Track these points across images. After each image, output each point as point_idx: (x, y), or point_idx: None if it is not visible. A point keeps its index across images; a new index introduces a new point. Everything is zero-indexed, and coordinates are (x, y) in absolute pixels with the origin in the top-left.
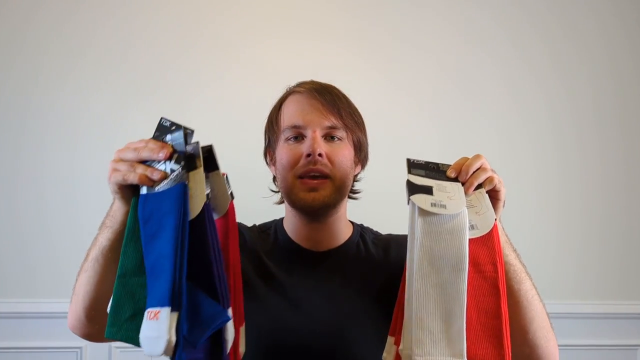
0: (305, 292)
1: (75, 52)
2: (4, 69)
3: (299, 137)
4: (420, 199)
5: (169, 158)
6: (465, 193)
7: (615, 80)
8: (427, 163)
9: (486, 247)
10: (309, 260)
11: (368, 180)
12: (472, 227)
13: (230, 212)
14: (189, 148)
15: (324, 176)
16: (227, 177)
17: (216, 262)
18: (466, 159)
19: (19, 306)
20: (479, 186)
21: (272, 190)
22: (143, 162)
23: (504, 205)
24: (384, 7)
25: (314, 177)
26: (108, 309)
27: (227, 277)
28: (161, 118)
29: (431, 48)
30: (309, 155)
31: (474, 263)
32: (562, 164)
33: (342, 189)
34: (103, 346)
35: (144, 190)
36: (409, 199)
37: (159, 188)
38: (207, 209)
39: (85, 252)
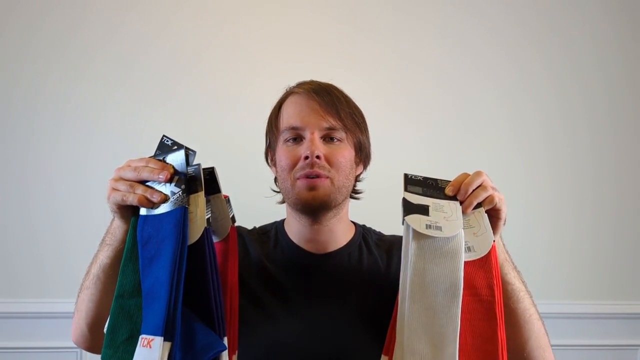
0: (305, 295)
1: (88, 52)
2: (16, 68)
3: (297, 138)
4: (414, 220)
5: (169, 180)
6: (464, 212)
7: (606, 82)
8: (426, 179)
9: (483, 270)
10: (310, 263)
11: (368, 181)
12: (468, 249)
13: (231, 236)
14: (190, 170)
15: (324, 176)
16: (228, 199)
17: (214, 290)
18: (466, 175)
19: (19, 306)
20: (479, 204)
21: (274, 190)
22: (143, 181)
23: (504, 224)
24: (376, 18)
25: (313, 177)
26: (105, 330)
27: (224, 303)
28: (163, 136)
29: (423, 56)
30: (306, 157)
31: (469, 286)
32: (555, 165)
33: (342, 190)
34: None
35: (143, 211)
36: (403, 219)
37: (159, 210)
38: (207, 233)
39: (92, 254)
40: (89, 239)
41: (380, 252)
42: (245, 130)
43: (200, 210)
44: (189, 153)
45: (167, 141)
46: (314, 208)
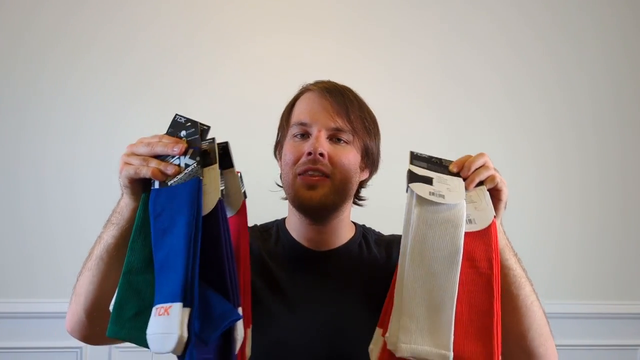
0: (306, 291)
1: (77, 47)
2: (5, 64)
3: (305, 134)
4: (419, 187)
5: (184, 153)
6: (466, 189)
7: (613, 79)
8: (430, 157)
9: (483, 242)
10: (310, 260)
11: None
12: (469, 220)
13: (242, 211)
14: (204, 144)
15: (324, 175)
16: (241, 175)
17: (228, 260)
18: (469, 156)
19: (18, 306)
20: (480, 183)
21: (278, 185)
22: (156, 156)
23: (505, 207)
24: (383, 6)
25: (313, 175)
26: (111, 307)
27: (238, 276)
28: (175, 114)
29: (431, 46)
30: (310, 153)
31: (469, 257)
32: (562, 165)
33: (342, 192)
34: (103, 346)
35: (156, 185)
36: (407, 187)
37: (172, 183)
38: (220, 205)
39: (86, 252)
40: (78, 238)
41: (380, 250)
42: (238, 126)
43: (214, 183)
44: (203, 128)
45: (180, 119)
46: (311, 208)
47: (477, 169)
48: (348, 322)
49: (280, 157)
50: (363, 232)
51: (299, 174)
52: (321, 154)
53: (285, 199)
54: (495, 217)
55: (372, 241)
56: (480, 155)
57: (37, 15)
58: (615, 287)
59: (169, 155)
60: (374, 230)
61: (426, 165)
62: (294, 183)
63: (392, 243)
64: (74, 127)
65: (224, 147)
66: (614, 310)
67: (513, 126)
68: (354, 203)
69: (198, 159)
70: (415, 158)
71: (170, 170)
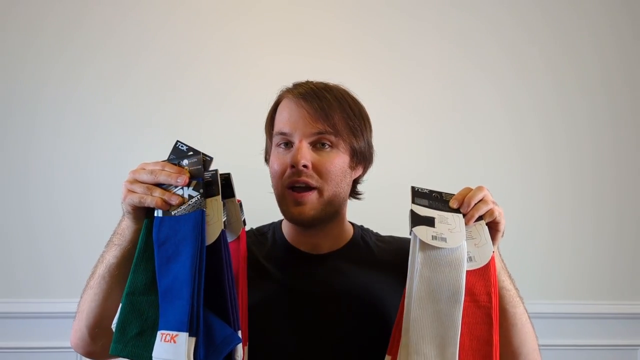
0: (304, 295)
1: (88, 51)
2: (16, 67)
3: (288, 144)
4: (421, 231)
5: (188, 184)
6: (466, 224)
7: (607, 82)
8: (431, 192)
9: (482, 279)
10: (308, 264)
11: (367, 181)
12: (470, 259)
13: (241, 238)
14: (207, 175)
15: (310, 188)
16: (241, 204)
17: (229, 287)
18: (469, 189)
19: (19, 306)
20: (480, 217)
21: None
22: (159, 184)
23: (502, 236)
24: (381, 19)
25: (300, 189)
26: (113, 326)
27: (237, 300)
28: (177, 142)
29: (424, 56)
30: (293, 166)
31: (469, 293)
32: (555, 165)
33: (334, 201)
34: None
35: (159, 213)
36: (411, 230)
37: (176, 213)
38: (223, 235)
39: (97, 252)
40: (89, 238)
41: (379, 252)
42: (244, 129)
43: (217, 213)
44: (205, 159)
45: (182, 146)
46: (302, 223)
47: (476, 205)
48: (346, 326)
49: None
50: (361, 234)
51: (287, 187)
52: (305, 166)
53: None
54: (493, 252)
55: (371, 243)
56: (479, 189)
57: (50, 16)
58: (615, 287)
59: (171, 185)
60: (372, 231)
61: (427, 203)
62: (284, 197)
63: (392, 245)
64: (87, 127)
65: (227, 178)
66: (614, 311)
67: (506, 126)
68: (353, 197)
69: (201, 191)
70: (416, 195)
71: (174, 201)
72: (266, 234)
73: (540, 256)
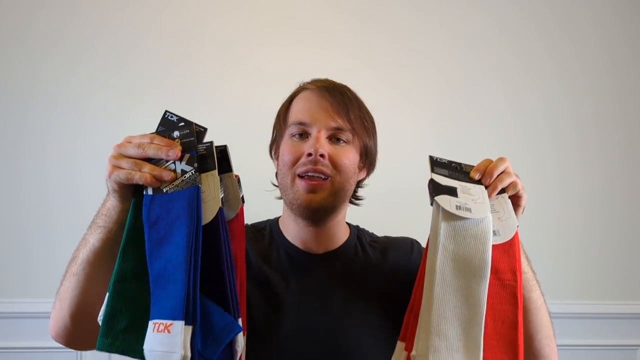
0: (301, 294)
1: (79, 46)
2: (7, 62)
3: (303, 134)
4: (445, 200)
5: (180, 158)
6: (489, 196)
7: (616, 80)
8: (450, 162)
9: (507, 254)
10: (305, 263)
11: (371, 184)
12: (494, 232)
13: (240, 216)
14: (201, 147)
15: (324, 177)
16: (239, 179)
17: (228, 271)
18: (490, 161)
19: (19, 306)
20: (502, 190)
21: (274, 184)
22: (147, 159)
23: (523, 212)
24: (385, 13)
25: (313, 178)
26: (99, 319)
27: (237, 286)
28: (165, 111)
29: (432, 53)
30: (310, 154)
31: (493, 270)
32: (564, 164)
33: (341, 193)
34: None
35: (149, 191)
36: (432, 200)
37: (168, 189)
38: (221, 213)
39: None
40: (77, 238)
41: (375, 253)
42: (236, 126)
43: (213, 190)
44: (199, 130)
45: (171, 117)
46: (311, 212)
47: (498, 176)
48: (344, 325)
49: (277, 157)
50: (357, 234)
51: (299, 175)
52: (322, 155)
53: (281, 198)
54: (517, 227)
55: (366, 243)
56: (501, 160)
57: (41, 12)
58: (616, 287)
59: (162, 159)
60: (367, 232)
61: (447, 173)
62: (294, 184)
63: (387, 246)
64: (76, 126)
65: (223, 151)
66: (614, 310)
67: (513, 126)
68: (351, 202)
69: (195, 165)
70: (435, 164)
71: (166, 177)
72: (262, 231)
73: (546, 256)
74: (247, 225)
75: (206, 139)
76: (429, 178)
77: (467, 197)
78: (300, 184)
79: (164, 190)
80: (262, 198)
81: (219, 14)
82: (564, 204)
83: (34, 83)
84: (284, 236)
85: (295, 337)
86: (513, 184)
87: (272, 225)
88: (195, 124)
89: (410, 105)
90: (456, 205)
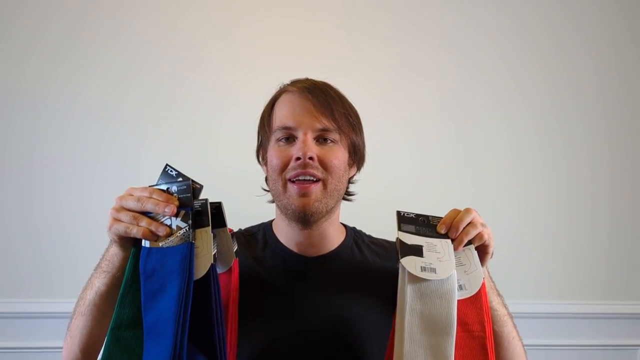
0: (297, 298)
1: (94, 53)
2: (22, 68)
3: (290, 138)
4: (410, 263)
5: (176, 214)
6: (455, 249)
7: (600, 85)
8: (418, 216)
9: (474, 307)
10: (300, 266)
11: (360, 184)
12: (460, 287)
13: (234, 269)
14: (197, 204)
15: (315, 179)
16: (233, 233)
17: (218, 324)
18: (457, 212)
19: (29, 306)
20: (469, 242)
21: (264, 189)
22: (146, 213)
23: (492, 257)
24: (375, 26)
25: (305, 181)
26: None
27: (226, 337)
28: (166, 165)
29: (420, 62)
30: (298, 158)
31: (462, 323)
32: (550, 165)
33: (335, 193)
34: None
35: (146, 243)
36: (398, 262)
37: (164, 244)
38: (213, 269)
39: (100, 252)
40: (93, 238)
41: (372, 255)
42: (245, 132)
43: (206, 246)
44: (195, 187)
45: (171, 171)
46: (305, 216)
47: (465, 228)
48: (340, 328)
49: (265, 162)
50: (354, 236)
51: (290, 180)
52: (310, 158)
53: (272, 202)
54: (484, 279)
55: (363, 244)
56: (467, 211)
57: (56, 17)
58: (616, 287)
59: (159, 214)
60: (365, 233)
61: (414, 229)
62: (286, 190)
63: (385, 249)
64: (92, 128)
65: (218, 207)
66: (614, 310)
67: (500, 126)
68: (343, 199)
69: (190, 222)
70: (402, 221)
71: (161, 232)
72: (255, 235)
73: (536, 257)
74: (239, 229)
75: (208, 198)
76: (396, 237)
77: (433, 256)
78: (293, 189)
79: (160, 244)
80: (252, 203)
81: (214, 8)
82: (571, 205)
83: (49, 86)
84: (278, 240)
85: (291, 341)
86: (479, 236)
87: (265, 229)
88: (193, 180)
89: (401, 113)
90: (421, 267)
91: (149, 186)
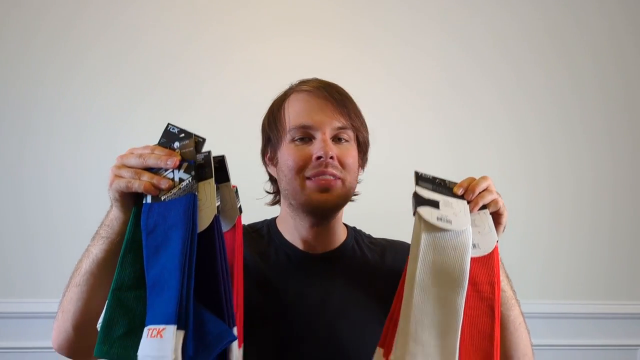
0: (300, 294)
1: (81, 50)
2: (11, 67)
3: (306, 138)
4: (426, 212)
5: (178, 167)
6: (470, 212)
7: (603, 85)
8: (435, 178)
9: (486, 267)
10: (304, 263)
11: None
12: (474, 245)
13: (237, 227)
14: (199, 157)
15: (335, 178)
16: (236, 189)
17: (223, 278)
18: (473, 178)
19: (20, 306)
20: (484, 207)
21: (267, 192)
22: (148, 169)
23: (503, 230)
24: (383, 9)
25: (325, 177)
26: (98, 326)
27: (232, 294)
28: (168, 124)
29: (430, 48)
30: (319, 157)
31: (472, 282)
32: (554, 166)
33: (351, 192)
34: None
35: (148, 200)
36: (415, 211)
37: (166, 197)
38: (216, 221)
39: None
40: (84, 238)
41: (373, 254)
42: (237, 128)
43: (210, 198)
44: (198, 140)
45: (173, 129)
46: (325, 210)
47: (480, 192)
48: (342, 326)
49: (273, 163)
50: (355, 235)
51: (309, 178)
52: (331, 157)
53: (273, 204)
54: (497, 242)
55: (364, 244)
56: (483, 178)
57: (42, 19)
58: (616, 287)
59: (161, 168)
60: (364, 233)
61: (431, 187)
62: (305, 187)
63: (385, 248)
64: (79, 129)
65: (220, 161)
66: (614, 310)
67: (506, 127)
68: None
69: (193, 173)
70: (420, 179)
71: (164, 184)
72: (260, 231)
73: (539, 257)
74: (243, 225)
75: (206, 150)
76: (413, 191)
77: (449, 210)
78: (312, 185)
79: (162, 199)
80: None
81: (219, 11)
82: (574, 205)
83: (37, 87)
84: (282, 236)
85: (294, 338)
86: (494, 202)
87: (269, 226)
88: (195, 134)
89: (408, 99)
90: (437, 217)
91: (151, 145)
